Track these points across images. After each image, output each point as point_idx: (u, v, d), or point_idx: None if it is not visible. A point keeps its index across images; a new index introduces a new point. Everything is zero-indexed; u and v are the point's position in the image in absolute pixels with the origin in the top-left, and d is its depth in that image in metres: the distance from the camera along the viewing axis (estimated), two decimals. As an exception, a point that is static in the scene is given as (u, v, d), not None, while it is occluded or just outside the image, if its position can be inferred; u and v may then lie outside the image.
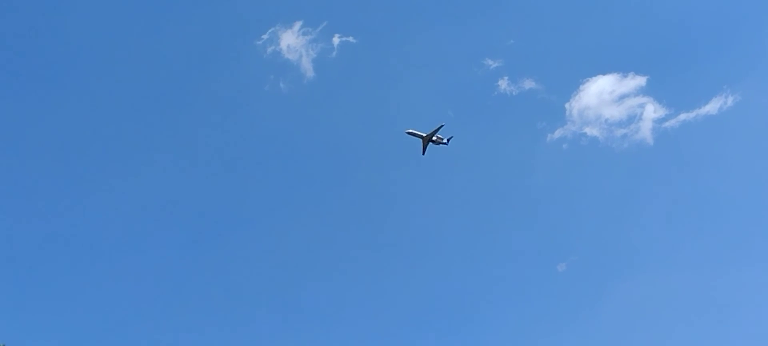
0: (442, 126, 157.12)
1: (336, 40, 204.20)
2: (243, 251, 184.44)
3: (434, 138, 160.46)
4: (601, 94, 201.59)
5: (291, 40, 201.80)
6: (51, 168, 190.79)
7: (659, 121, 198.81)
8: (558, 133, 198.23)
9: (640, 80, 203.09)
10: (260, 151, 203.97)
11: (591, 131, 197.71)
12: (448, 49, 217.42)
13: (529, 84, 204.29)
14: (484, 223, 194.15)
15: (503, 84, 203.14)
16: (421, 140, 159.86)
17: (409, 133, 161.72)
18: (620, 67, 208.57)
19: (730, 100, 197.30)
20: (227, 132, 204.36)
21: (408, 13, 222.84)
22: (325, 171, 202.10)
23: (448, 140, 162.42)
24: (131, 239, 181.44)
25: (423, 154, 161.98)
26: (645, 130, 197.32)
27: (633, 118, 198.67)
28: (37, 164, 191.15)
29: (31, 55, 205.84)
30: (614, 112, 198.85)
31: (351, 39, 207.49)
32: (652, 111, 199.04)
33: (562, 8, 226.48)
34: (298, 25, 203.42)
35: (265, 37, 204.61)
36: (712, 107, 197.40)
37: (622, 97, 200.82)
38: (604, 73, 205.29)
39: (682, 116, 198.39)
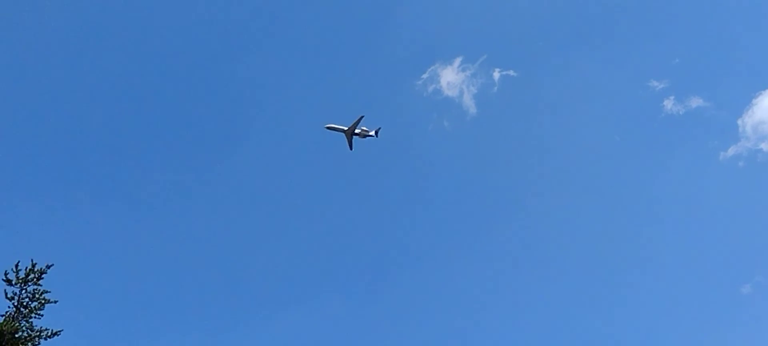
0: (362, 117, 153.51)
1: (496, 74, 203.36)
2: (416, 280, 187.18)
3: (358, 130, 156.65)
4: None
5: (451, 77, 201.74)
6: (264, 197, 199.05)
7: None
8: (732, 151, 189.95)
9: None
10: (431, 190, 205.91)
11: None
12: (611, 74, 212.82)
13: (696, 102, 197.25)
14: (663, 247, 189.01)
15: (669, 104, 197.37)
16: (344, 136, 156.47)
17: (329, 128, 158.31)
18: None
19: None
20: (397, 172, 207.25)
21: (568, 40, 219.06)
22: (499, 206, 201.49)
23: (376, 132, 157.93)
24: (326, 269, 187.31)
25: (350, 149, 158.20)
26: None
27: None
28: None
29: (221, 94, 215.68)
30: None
31: (511, 72, 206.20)
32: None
33: (727, 23, 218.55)
34: (458, 61, 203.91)
35: (425, 76, 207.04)
36: None
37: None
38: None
39: None
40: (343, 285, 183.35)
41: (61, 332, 49.85)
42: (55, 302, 50.26)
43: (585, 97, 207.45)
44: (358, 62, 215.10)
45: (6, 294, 49.67)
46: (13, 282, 49.74)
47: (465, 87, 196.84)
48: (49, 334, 49.33)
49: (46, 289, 50.19)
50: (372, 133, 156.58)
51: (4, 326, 48.28)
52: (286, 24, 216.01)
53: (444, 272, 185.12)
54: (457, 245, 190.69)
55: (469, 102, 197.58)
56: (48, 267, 50.15)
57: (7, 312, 49.35)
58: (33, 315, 49.50)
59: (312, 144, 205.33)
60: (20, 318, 49.18)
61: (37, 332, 49.30)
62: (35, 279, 49.84)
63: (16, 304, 49.49)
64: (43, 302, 49.86)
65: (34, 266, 49.91)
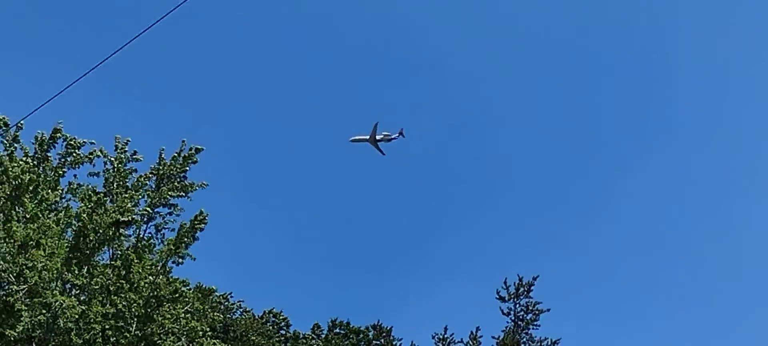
0: (377, 123, 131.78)
1: None
2: None
3: (379, 137, 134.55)
4: None
5: None
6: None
7: None
8: None
9: None
10: None
11: None
12: None
13: None
14: None
15: None
16: (371, 146, 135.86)
17: (353, 141, 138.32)
18: None
19: None
20: None
21: None
22: None
23: (400, 133, 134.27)
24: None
25: (383, 154, 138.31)
26: None
27: None
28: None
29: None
30: None
31: None
32: None
33: None
34: None
35: None
36: None
37: None
38: None
39: None
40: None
41: (560, 341, 51.80)
42: (548, 310, 52.22)
43: None
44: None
45: (501, 310, 52.47)
46: (506, 298, 52.40)
47: None
48: (549, 343, 51.51)
49: (538, 300, 52.26)
50: (395, 136, 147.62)
51: (506, 340, 51.16)
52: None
53: None
54: None
55: None
56: (534, 279, 52.19)
57: (506, 327, 52.19)
58: (530, 327, 51.89)
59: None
60: (519, 331, 51.78)
61: (537, 342, 51.70)
62: (525, 292, 52.06)
63: (513, 318, 52.17)
64: (537, 312, 52.02)
65: (521, 280, 52.15)
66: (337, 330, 62.40)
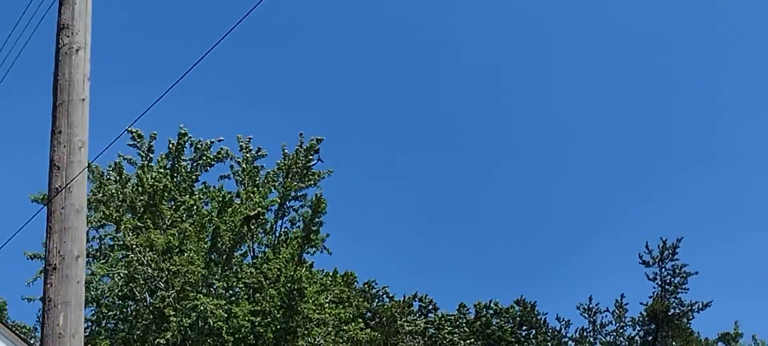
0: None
1: None
2: None
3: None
4: None
5: None
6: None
7: None
8: None
9: None
10: None
11: None
12: None
13: None
14: None
15: None
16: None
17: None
18: None
19: None
20: None
21: None
22: None
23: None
24: None
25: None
26: None
27: None
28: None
29: None
30: None
31: None
32: None
33: None
34: None
35: None
36: None
37: None
38: None
39: None
40: None
41: (712, 303, 50.11)
42: (696, 273, 50.52)
43: None
44: None
45: (647, 276, 51.14)
46: (650, 263, 51.05)
47: None
48: (700, 306, 49.94)
49: (684, 262, 50.61)
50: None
51: (655, 305, 49.94)
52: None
53: None
54: None
55: None
56: (678, 241, 50.54)
57: (654, 292, 50.89)
58: (678, 291, 50.40)
59: None
60: (667, 296, 50.40)
61: (687, 306, 50.20)
62: (670, 255, 50.58)
63: (659, 283, 50.82)
64: (684, 275, 50.43)
65: (665, 242, 50.63)
66: (484, 312, 62.07)
